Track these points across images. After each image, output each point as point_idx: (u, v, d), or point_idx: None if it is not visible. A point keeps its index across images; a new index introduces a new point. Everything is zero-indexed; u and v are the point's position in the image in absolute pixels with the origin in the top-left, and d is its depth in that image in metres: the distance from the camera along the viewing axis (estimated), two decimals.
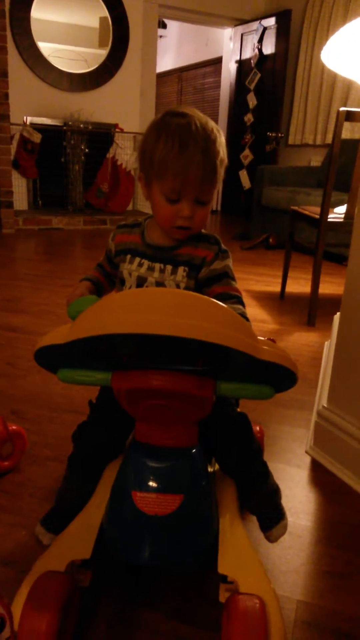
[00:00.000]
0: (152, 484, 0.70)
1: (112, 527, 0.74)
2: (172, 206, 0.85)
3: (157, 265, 0.90)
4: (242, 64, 5.53)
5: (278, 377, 0.66)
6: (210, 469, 0.86)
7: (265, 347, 0.62)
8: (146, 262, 0.91)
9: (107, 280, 1.02)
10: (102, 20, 4.67)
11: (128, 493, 0.71)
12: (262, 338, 0.63)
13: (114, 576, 0.88)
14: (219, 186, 0.88)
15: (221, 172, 0.86)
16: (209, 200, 0.87)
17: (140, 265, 0.92)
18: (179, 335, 0.55)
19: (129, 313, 0.58)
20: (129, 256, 0.93)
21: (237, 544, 0.77)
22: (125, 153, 4.82)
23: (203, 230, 0.93)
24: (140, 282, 0.91)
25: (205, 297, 0.61)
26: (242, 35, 5.45)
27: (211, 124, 0.85)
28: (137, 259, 0.92)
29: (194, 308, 0.58)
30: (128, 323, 0.57)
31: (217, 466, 0.93)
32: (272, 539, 0.91)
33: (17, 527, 0.98)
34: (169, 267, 0.90)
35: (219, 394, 0.68)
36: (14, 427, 1.14)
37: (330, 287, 2.92)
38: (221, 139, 0.86)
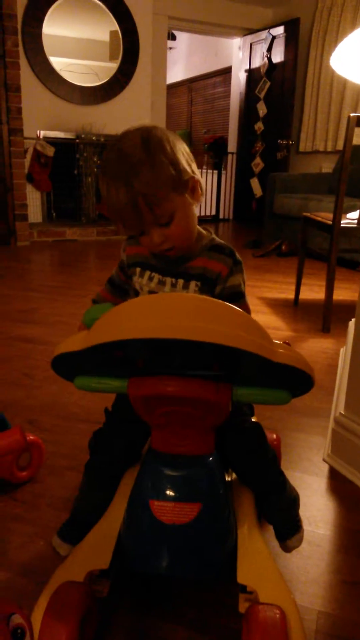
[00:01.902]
0: (169, 492, 0.70)
1: (130, 537, 0.74)
2: (143, 238, 0.82)
3: (169, 280, 0.87)
4: (251, 73, 5.57)
5: (294, 381, 0.66)
6: (227, 478, 0.85)
7: (281, 350, 0.61)
8: (156, 276, 0.88)
9: (115, 297, 1.00)
10: (113, 33, 4.74)
11: (145, 502, 0.70)
12: (278, 342, 0.63)
13: (133, 587, 0.87)
14: (174, 197, 0.78)
15: (161, 191, 0.76)
16: (171, 219, 0.79)
17: (150, 279, 0.89)
18: (195, 339, 0.56)
19: (145, 318, 0.58)
20: (138, 269, 0.91)
21: (256, 553, 0.76)
22: None
23: (216, 239, 0.89)
24: None
25: (220, 301, 0.61)
26: (251, 44, 5.49)
27: (135, 143, 0.77)
28: (148, 273, 0.89)
29: (210, 312, 0.58)
30: (144, 328, 0.57)
31: (234, 475, 0.92)
32: (286, 550, 0.90)
33: (35, 538, 0.98)
34: (180, 282, 0.86)
35: (235, 399, 0.67)
36: (31, 438, 1.15)
37: (344, 293, 2.90)
38: (151, 154, 0.76)
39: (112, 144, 0.80)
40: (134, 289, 0.94)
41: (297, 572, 0.92)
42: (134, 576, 0.87)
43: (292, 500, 0.92)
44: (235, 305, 0.83)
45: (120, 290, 1.00)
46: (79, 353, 0.63)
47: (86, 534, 0.81)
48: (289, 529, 0.89)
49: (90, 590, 0.71)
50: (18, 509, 1.06)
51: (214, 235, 0.90)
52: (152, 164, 0.76)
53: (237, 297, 0.86)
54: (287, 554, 0.94)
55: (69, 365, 0.69)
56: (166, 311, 0.58)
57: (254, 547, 0.77)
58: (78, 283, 3.10)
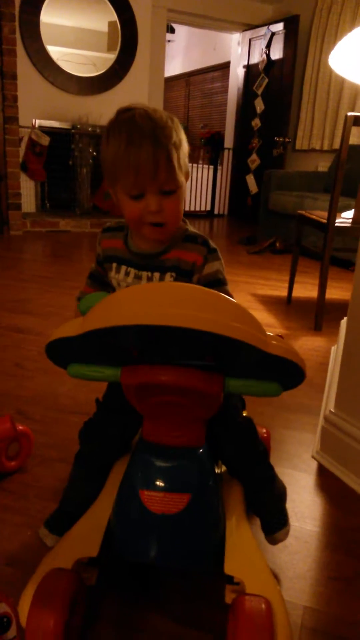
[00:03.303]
0: (159, 482, 0.70)
1: (120, 526, 0.74)
2: (137, 203, 0.80)
3: (145, 274, 0.87)
4: (249, 69, 5.55)
5: (286, 373, 0.66)
6: (217, 470, 0.85)
7: (273, 342, 0.62)
8: (132, 271, 0.88)
9: (99, 290, 0.97)
10: (111, 24, 4.70)
11: (135, 491, 0.71)
12: (271, 333, 0.64)
13: (120, 576, 0.87)
14: (183, 172, 0.82)
15: (180, 156, 0.80)
16: (176, 189, 0.81)
17: (127, 274, 0.88)
18: (189, 326, 0.56)
19: (140, 305, 0.58)
20: (114, 264, 0.90)
21: (243, 545, 0.76)
22: None
23: (190, 229, 0.88)
24: None
25: (215, 291, 0.61)
26: (250, 40, 5.47)
27: (161, 112, 0.81)
28: (124, 268, 0.89)
29: (204, 301, 0.59)
30: (139, 315, 0.57)
31: (224, 467, 0.92)
32: (273, 543, 0.91)
33: (23, 528, 0.98)
34: (156, 275, 0.86)
35: (227, 390, 0.68)
36: (20, 427, 1.14)
37: (337, 292, 2.91)
38: (174, 125, 0.80)
39: (123, 112, 0.81)
40: (111, 285, 0.93)
41: (284, 568, 0.93)
42: (123, 566, 0.87)
43: (280, 495, 0.93)
44: None
45: (101, 283, 0.98)
46: (74, 340, 0.63)
47: (73, 525, 0.81)
48: (276, 522, 0.90)
49: (78, 577, 0.71)
50: (6, 499, 1.06)
51: (187, 226, 0.89)
52: (176, 129, 0.80)
53: (217, 284, 0.85)
54: (275, 549, 0.94)
55: (63, 352, 0.69)
56: (161, 299, 0.58)
57: (242, 538, 0.77)
58: (71, 274, 3.09)
